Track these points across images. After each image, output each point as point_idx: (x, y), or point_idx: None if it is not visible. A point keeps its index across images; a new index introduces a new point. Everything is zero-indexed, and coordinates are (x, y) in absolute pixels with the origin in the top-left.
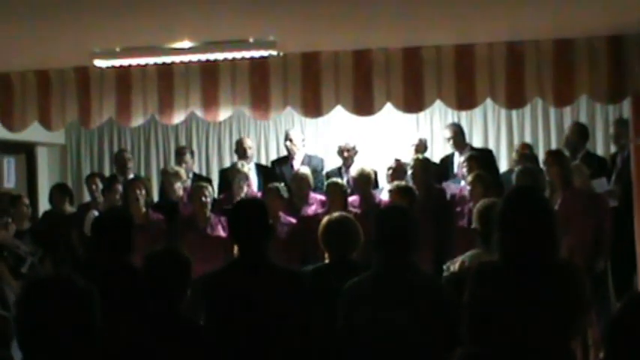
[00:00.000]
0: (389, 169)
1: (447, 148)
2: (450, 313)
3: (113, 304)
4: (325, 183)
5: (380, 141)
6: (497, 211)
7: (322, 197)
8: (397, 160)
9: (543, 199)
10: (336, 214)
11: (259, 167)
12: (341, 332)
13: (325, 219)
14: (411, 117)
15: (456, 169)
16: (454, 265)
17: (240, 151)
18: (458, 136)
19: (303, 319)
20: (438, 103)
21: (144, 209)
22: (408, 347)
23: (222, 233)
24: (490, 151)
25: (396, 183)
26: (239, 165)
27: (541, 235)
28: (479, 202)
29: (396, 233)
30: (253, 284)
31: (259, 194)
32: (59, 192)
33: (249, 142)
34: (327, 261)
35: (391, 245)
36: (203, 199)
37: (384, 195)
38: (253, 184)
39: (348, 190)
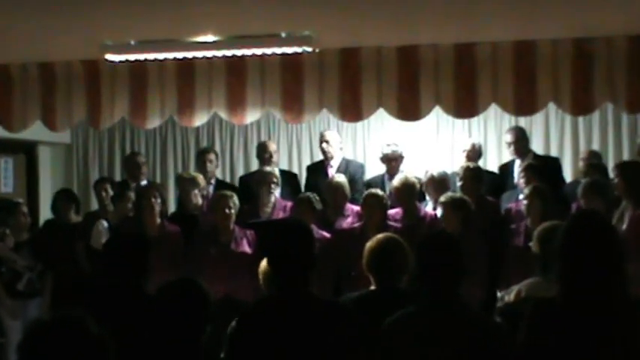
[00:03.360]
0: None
1: (503, 157)
2: (502, 353)
3: (126, 341)
4: (364, 193)
5: (425, 146)
6: (558, 239)
7: (359, 208)
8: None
9: (611, 228)
10: (383, 236)
11: (284, 174)
12: None
13: (372, 241)
14: (462, 121)
15: (516, 179)
16: (509, 296)
17: (264, 156)
18: (520, 142)
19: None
20: (494, 107)
21: (159, 220)
22: None
23: (247, 249)
24: (556, 160)
25: (449, 194)
26: (267, 168)
27: (608, 270)
28: (537, 221)
29: (441, 265)
30: (294, 327)
31: (289, 204)
32: (64, 199)
33: (274, 147)
34: (372, 287)
35: (436, 278)
36: (227, 210)
37: (429, 208)
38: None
39: (388, 203)
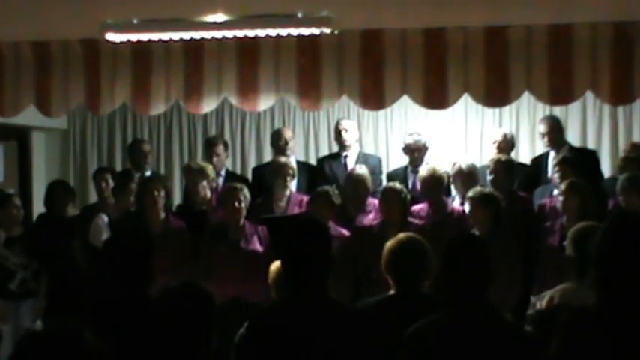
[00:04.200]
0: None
1: (536, 149)
2: None
3: (127, 351)
4: (382, 187)
5: (453, 137)
6: (595, 243)
7: None
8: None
9: None
10: (404, 235)
11: (301, 165)
12: None
13: (392, 241)
14: (492, 109)
15: (550, 173)
16: (541, 302)
17: (279, 144)
18: (554, 132)
19: None
20: (527, 95)
21: (163, 215)
22: None
23: (258, 247)
24: (593, 153)
25: (478, 189)
26: (282, 159)
27: None
28: (574, 220)
29: (469, 270)
30: (307, 336)
31: (305, 199)
32: (60, 191)
33: (289, 134)
34: (392, 292)
35: (463, 285)
36: (236, 204)
37: (456, 203)
38: (293, 186)
39: (409, 197)
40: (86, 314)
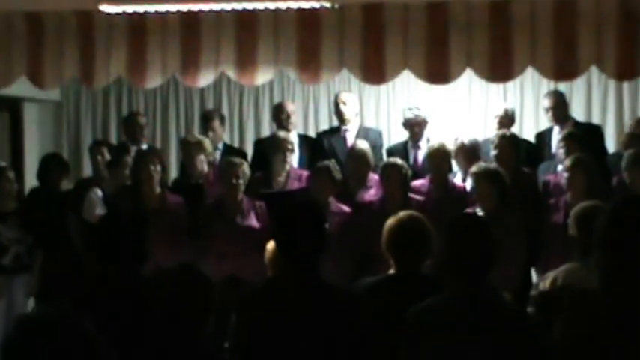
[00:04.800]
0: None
1: (540, 124)
2: (535, 349)
3: (122, 332)
4: (382, 163)
5: (457, 112)
6: (599, 225)
7: None
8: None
9: None
10: (405, 214)
11: (303, 139)
12: None
13: (393, 220)
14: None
15: (554, 148)
16: (544, 283)
17: (280, 118)
18: (559, 107)
19: (362, 350)
20: (531, 70)
21: (158, 190)
22: None
23: (255, 223)
24: (597, 128)
25: (483, 165)
26: (282, 135)
27: None
28: (580, 197)
29: (472, 252)
30: (298, 314)
31: (305, 174)
32: (54, 164)
33: (291, 107)
34: (391, 271)
35: (466, 267)
36: (234, 180)
37: (458, 179)
38: (294, 160)
39: (410, 173)
40: (80, 293)
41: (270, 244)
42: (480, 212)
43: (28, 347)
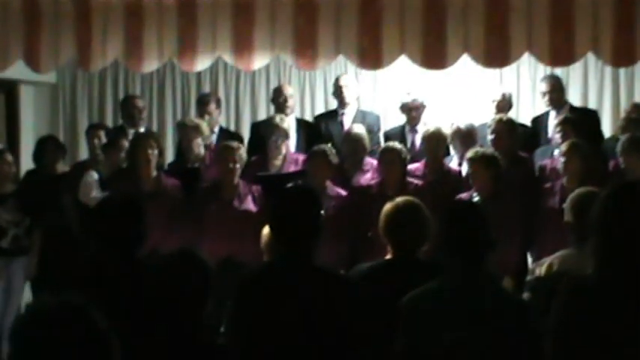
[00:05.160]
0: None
1: (536, 109)
2: (530, 336)
3: (119, 317)
4: (381, 147)
5: (451, 96)
6: (595, 212)
7: None
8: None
9: None
10: (402, 199)
11: (301, 123)
12: (401, 355)
13: (390, 205)
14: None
15: (550, 133)
16: (540, 268)
17: (279, 101)
18: (556, 92)
19: (358, 337)
20: (528, 55)
21: (155, 173)
22: None
23: (252, 207)
24: (594, 113)
25: (479, 150)
26: (277, 119)
27: None
28: (575, 181)
29: (468, 239)
30: (294, 297)
31: (301, 157)
32: (50, 146)
33: (290, 91)
34: (388, 256)
35: (462, 254)
36: (231, 164)
37: (454, 163)
38: (291, 145)
39: (408, 157)
40: (77, 276)
41: (267, 228)
42: (475, 196)
43: (37, 339)
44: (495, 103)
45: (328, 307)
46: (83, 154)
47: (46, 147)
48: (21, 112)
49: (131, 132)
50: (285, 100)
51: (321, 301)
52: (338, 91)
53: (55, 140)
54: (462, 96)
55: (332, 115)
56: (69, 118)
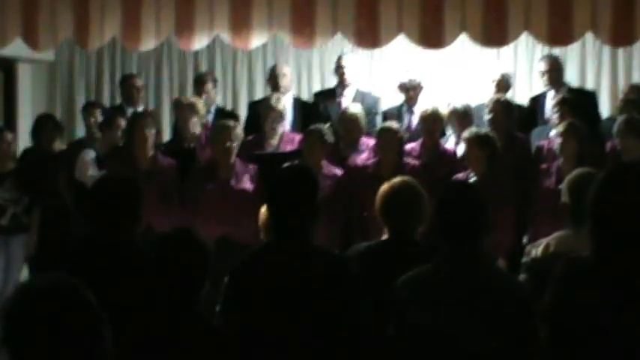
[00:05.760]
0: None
1: (533, 89)
2: (526, 319)
3: (115, 298)
4: (378, 127)
5: (449, 76)
6: (591, 194)
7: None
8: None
9: None
10: (399, 180)
11: (298, 102)
12: (393, 338)
13: (386, 186)
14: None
15: (547, 113)
16: (536, 249)
17: (274, 81)
18: (555, 71)
19: (351, 318)
20: (525, 35)
21: (151, 152)
22: (474, 358)
23: (248, 186)
24: (592, 94)
25: (474, 130)
26: (273, 100)
27: None
28: (571, 162)
29: (464, 221)
30: (290, 277)
31: (298, 137)
32: (48, 125)
33: (285, 71)
34: (384, 237)
35: (457, 235)
36: (227, 143)
37: (451, 144)
38: (287, 124)
39: (405, 137)
40: (72, 255)
41: (264, 208)
42: (472, 177)
43: (29, 316)
44: (494, 83)
45: (324, 287)
46: (80, 132)
47: (44, 125)
48: (19, 90)
49: (129, 111)
50: (280, 80)
51: (317, 281)
52: (339, 71)
53: (52, 118)
54: (460, 76)
55: (331, 95)
56: (66, 96)
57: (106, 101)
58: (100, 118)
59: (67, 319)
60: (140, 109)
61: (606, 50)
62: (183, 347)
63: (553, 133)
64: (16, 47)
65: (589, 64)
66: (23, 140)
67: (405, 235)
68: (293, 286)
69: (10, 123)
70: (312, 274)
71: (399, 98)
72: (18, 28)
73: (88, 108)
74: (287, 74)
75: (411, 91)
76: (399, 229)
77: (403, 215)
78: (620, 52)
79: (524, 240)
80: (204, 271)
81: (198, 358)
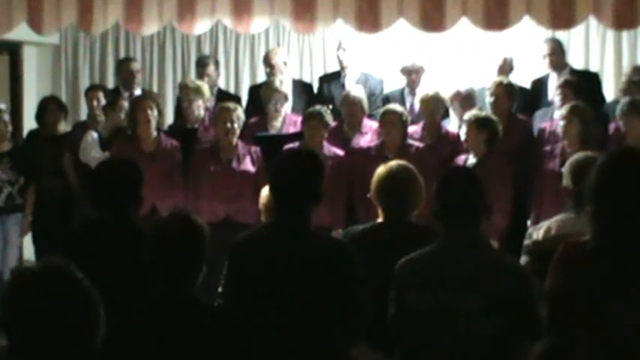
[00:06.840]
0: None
1: (535, 74)
2: (527, 300)
3: (112, 280)
4: (382, 109)
5: (451, 59)
6: (592, 178)
7: (378, 126)
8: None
9: None
10: (395, 163)
11: (297, 84)
12: (394, 319)
13: (382, 168)
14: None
15: (550, 95)
16: (538, 232)
17: (269, 66)
18: (557, 54)
19: (349, 297)
20: (527, 19)
21: (154, 134)
22: (474, 339)
23: (250, 167)
24: (595, 75)
25: (474, 112)
26: (276, 82)
27: None
28: (575, 144)
29: (461, 203)
30: (289, 258)
31: (299, 119)
32: (52, 107)
33: (280, 56)
34: (380, 220)
35: (455, 217)
36: (229, 124)
37: (452, 127)
38: (288, 106)
39: (409, 119)
40: (74, 236)
41: (266, 189)
42: (471, 158)
43: (26, 300)
44: (498, 67)
45: (323, 267)
46: (85, 114)
47: (48, 107)
48: (24, 72)
49: (126, 95)
50: (273, 67)
51: (317, 261)
52: (339, 53)
53: (57, 100)
54: (462, 59)
55: (335, 77)
56: (71, 79)
57: (110, 84)
58: (102, 100)
59: (63, 304)
60: (137, 92)
61: (610, 32)
62: (178, 330)
63: (556, 115)
64: (22, 30)
65: (593, 46)
66: (28, 122)
67: (399, 218)
68: (292, 266)
69: (16, 105)
70: (312, 255)
71: (402, 81)
72: (23, 13)
73: (91, 91)
74: (279, 56)
75: (413, 74)
76: (393, 212)
77: (398, 198)
78: (625, 34)
79: (528, 222)
80: (201, 254)
81: (193, 342)
